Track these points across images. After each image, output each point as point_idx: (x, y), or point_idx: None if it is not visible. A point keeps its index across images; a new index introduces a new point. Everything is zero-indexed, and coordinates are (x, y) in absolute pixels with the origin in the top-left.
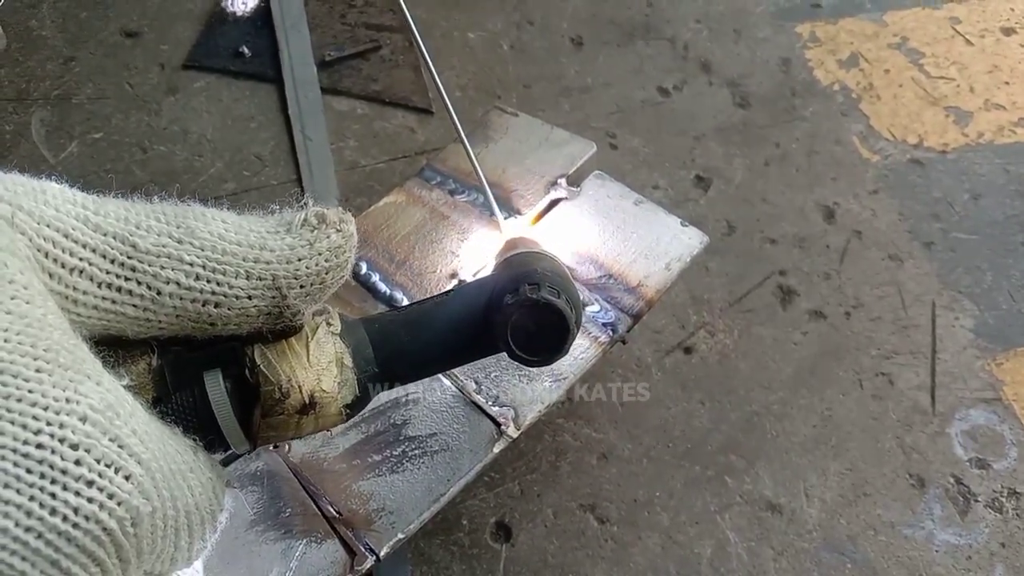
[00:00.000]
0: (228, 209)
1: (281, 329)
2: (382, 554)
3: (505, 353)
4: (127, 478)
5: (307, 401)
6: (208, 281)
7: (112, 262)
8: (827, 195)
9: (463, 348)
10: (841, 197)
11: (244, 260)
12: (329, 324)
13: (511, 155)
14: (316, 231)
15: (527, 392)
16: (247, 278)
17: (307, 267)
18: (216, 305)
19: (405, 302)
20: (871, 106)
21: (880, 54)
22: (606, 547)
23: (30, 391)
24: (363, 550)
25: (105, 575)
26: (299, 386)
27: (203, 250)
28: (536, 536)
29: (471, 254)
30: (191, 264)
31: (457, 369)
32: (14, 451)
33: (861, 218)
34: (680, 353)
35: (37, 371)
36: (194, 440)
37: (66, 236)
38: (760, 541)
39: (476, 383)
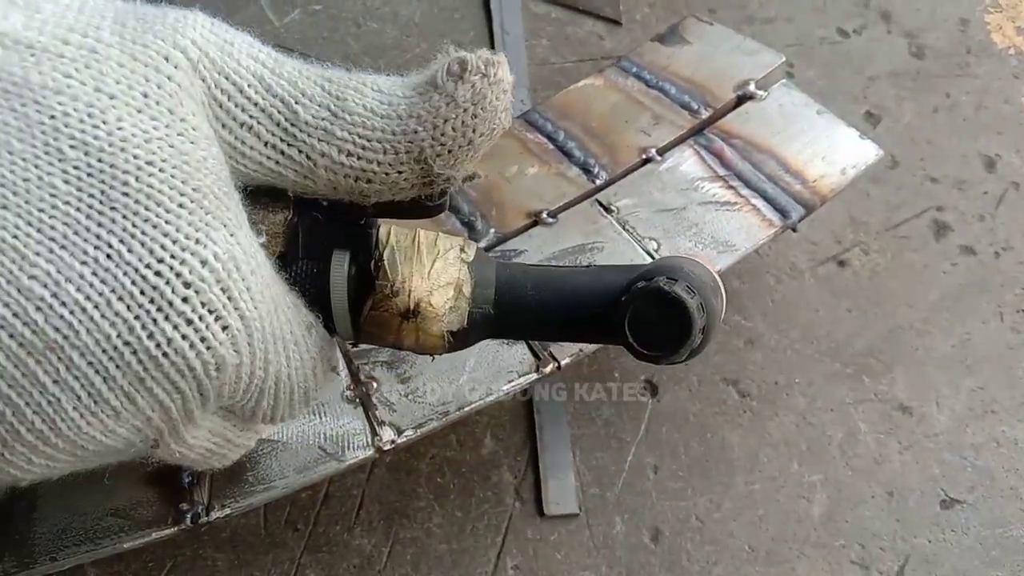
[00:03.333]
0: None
1: (432, 207)
2: (563, 363)
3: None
4: (224, 328)
5: (412, 307)
6: (358, 158)
7: (277, 125)
8: (990, 146)
9: (582, 322)
10: (1004, 150)
11: (393, 134)
12: (463, 250)
13: (704, 57)
14: (459, 81)
15: (698, 258)
16: (395, 153)
17: (452, 128)
18: (368, 181)
19: (597, 169)
20: None
21: None
22: (744, 417)
23: (167, 222)
24: (547, 355)
25: (185, 402)
26: (410, 290)
27: (354, 126)
28: (680, 397)
29: (662, 135)
30: (342, 140)
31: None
32: (136, 270)
33: (1021, 172)
34: (834, 265)
35: (180, 206)
36: (316, 317)
37: (241, 91)
38: (888, 435)
39: (656, 242)
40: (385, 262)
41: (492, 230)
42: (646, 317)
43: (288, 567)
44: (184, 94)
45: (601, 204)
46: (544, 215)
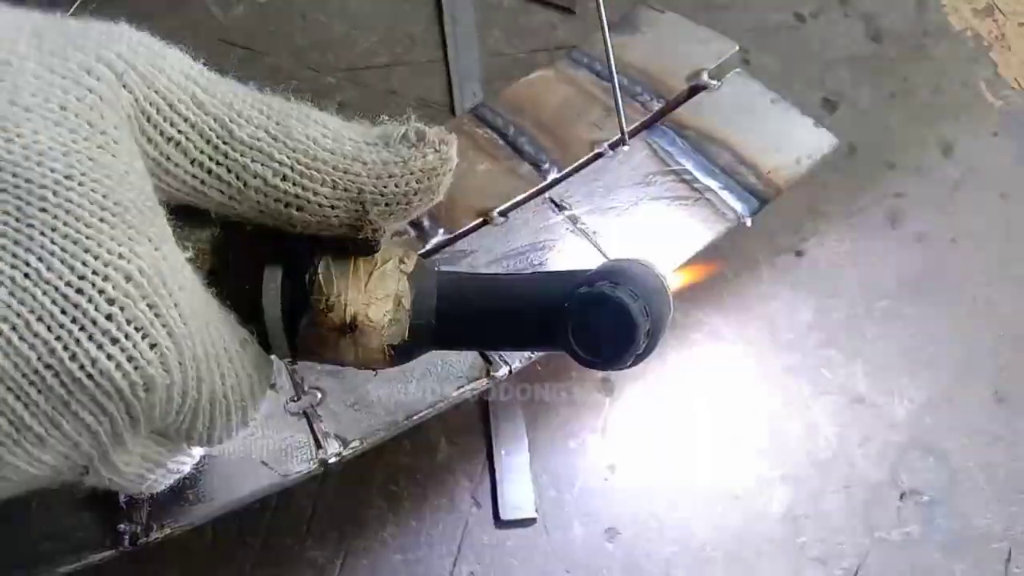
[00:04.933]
0: (335, 113)
1: (360, 243)
2: (515, 367)
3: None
4: (153, 346)
5: (348, 321)
6: (293, 184)
7: (207, 142)
8: (947, 132)
9: (526, 331)
10: (961, 135)
11: (334, 169)
12: (403, 261)
13: (657, 47)
14: (413, 149)
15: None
16: (332, 187)
17: (396, 185)
18: (298, 208)
19: (548, 165)
20: (1001, 55)
21: (1017, 7)
22: (701, 413)
23: (88, 237)
24: (498, 360)
25: (114, 426)
26: (345, 304)
27: (294, 152)
28: (636, 394)
29: (614, 129)
30: (280, 163)
31: None
32: (56, 289)
33: (977, 156)
34: (791, 256)
35: (101, 220)
36: (250, 333)
37: (171, 106)
38: (848, 428)
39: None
40: (320, 276)
41: (441, 230)
42: (589, 323)
43: None
44: (106, 106)
45: (553, 201)
46: (494, 214)
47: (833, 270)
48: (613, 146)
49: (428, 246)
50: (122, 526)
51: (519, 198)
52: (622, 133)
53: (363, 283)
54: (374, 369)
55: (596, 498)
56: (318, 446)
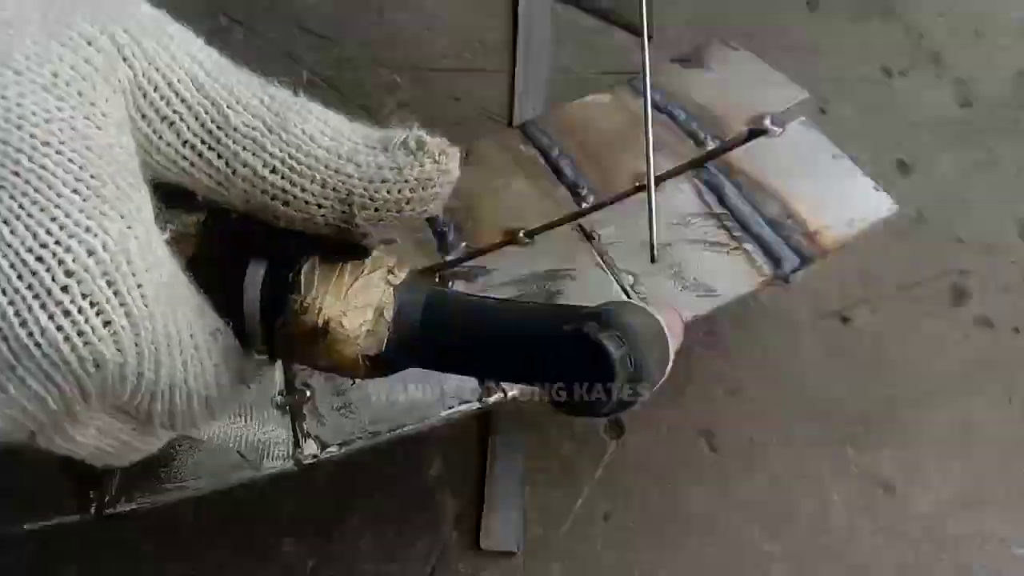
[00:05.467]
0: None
1: (348, 247)
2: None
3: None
4: (107, 324)
5: (320, 326)
6: (282, 177)
7: (202, 125)
8: None
9: (507, 362)
10: None
11: (326, 167)
12: (392, 272)
13: (722, 85)
14: (411, 157)
15: (675, 299)
16: (322, 185)
17: (387, 192)
18: (284, 203)
19: (586, 192)
20: None
21: None
22: (710, 472)
23: (57, 206)
24: (495, 384)
25: (63, 397)
26: (320, 308)
27: (288, 145)
28: (646, 441)
29: (662, 163)
30: (271, 155)
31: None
32: (16, 253)
33: None
34: (836, 320)
35: (74, 191)
36: (226, 325)
37: (169, 85)
38: (863, 513)
39: (632, 276)
40: (302, 276)
41: (464, 243)
42: (565, 365)
43: (210, 567)
44: (100, 79)
45: (583, 230)
46: (521, 234)
47: (878, 343)
48: (658, 181)
49: (448, 258)
50: (93, 493)
51: (549, 220)
52: (648, 167)
53: (344, 289)
54: (351, 377)
55: (583, 544)
56: (296, 445)
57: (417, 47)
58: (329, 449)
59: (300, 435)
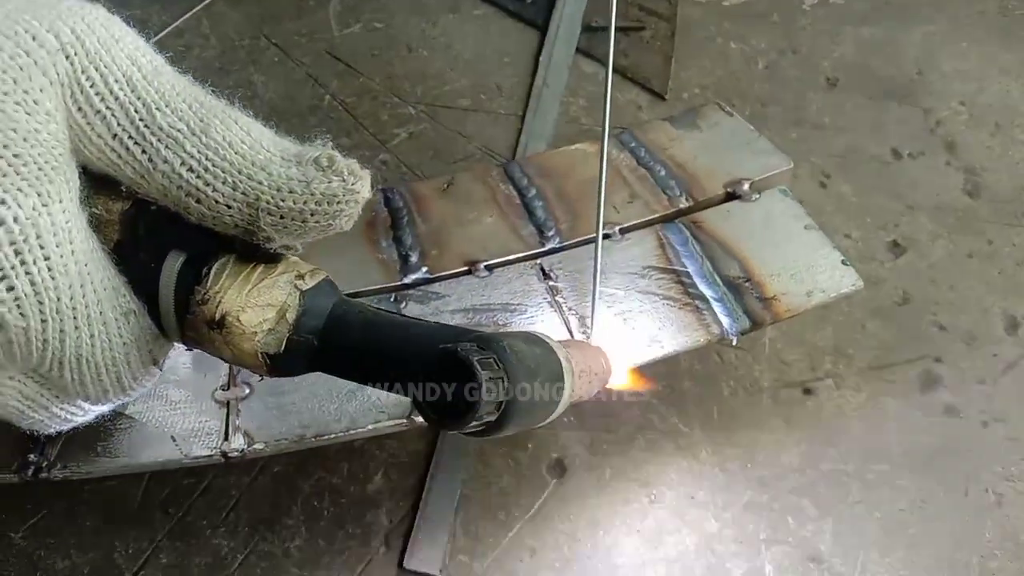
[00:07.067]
0: (265, 123)
1: (259, 249)
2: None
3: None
4: (9, 289)
5: (217, 318)
6: (197, 176)
7: (131, 122)
8: (1019, 308)
9: (393, 373)
10: None
11: (238, 172)
12: (301, 277)
13: (708, 146)
14: (320, 172)
15: (618, 345)
16: (233, 188)
17: (293, 202)
18: (197, 200)
19: (552, 233)
20: None
21: None
22: (646, 523)
23: None
24: None
25: None
26: (219, 302)
27: (206, 148)
28: (586, 486)
29: (631, 215)
30: (189, 155)
31: (568, 302)
32: None
33: None
34: (799, 391)
35: None
36: (142, 307)
37: (105, 83)
38: None
39: (579, 318)
40: (212, 271)
41: (425, 268)
42: (437, 381)
43: (146, 546)
44: (37, 70)
45: (542, 269)
46: (480, 266)
47: (838, 419)
48: (625, 231)
49: (405, 280)
50: (32, 456)
51: (510, 257)
52: (598, 212)
53: (248, 287)
54: (255, 372)
55: None
56: (225, 438)
57: (438, 85)
58: (255, 446)
59: (230, 429)
